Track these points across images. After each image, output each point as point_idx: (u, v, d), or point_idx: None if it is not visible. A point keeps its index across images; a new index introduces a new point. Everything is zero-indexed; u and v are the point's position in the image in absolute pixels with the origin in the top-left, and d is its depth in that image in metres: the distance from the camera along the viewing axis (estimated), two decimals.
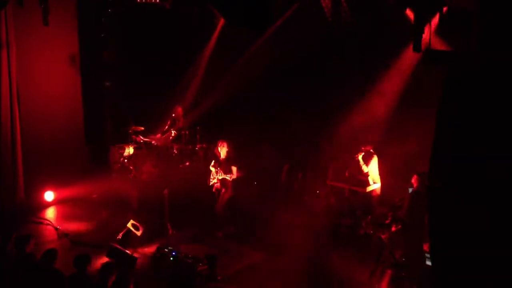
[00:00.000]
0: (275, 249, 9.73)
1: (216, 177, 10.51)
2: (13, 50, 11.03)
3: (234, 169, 10.40)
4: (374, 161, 10.36)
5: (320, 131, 12.68)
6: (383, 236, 8.80)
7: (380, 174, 10.50)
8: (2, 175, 11.12)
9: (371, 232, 9.53)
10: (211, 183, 10.62)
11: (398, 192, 10.14)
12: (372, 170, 10.36)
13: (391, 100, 11.77)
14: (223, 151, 10.45)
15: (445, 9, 10.32)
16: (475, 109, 4.84)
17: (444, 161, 5.05)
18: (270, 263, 9.28)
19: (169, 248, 8.86)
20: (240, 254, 9.52)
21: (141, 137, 13.56)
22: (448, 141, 5.03)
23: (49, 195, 11.80)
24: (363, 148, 10.40)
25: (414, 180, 8.52)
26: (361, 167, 10.30)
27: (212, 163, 10.63)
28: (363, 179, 10.47)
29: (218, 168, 10.47)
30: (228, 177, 10.38)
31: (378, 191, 10.45)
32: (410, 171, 8.99)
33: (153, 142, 13.58)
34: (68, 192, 11.94)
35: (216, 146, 10.74)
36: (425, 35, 9.62)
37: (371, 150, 10.43)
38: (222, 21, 13.90)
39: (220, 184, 10.48)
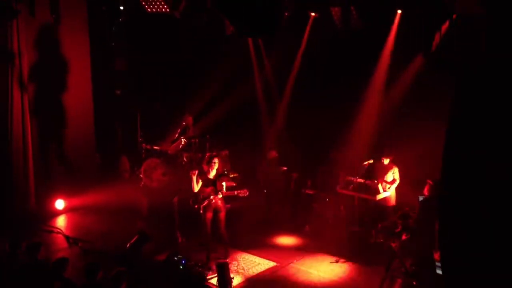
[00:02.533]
0: (285, 257, 9.72)
1: (208, 198, 9.26)
2: (24, 59, 11.14)
3: (224, 184, 9.41)
4: (394, 171, 10.34)
5: (330, 139, 12.67)
6: (393, 245, 8.77)
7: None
8: (14, 183, 11.22)
9: (381, 240, 9.48)
10: (202, 205, 9.29)
11: (409, 200, 10.11)
12: (388, 179, 10.38)
13: (401, 108, 11.75)
14: (216, 166, 9.38)
15: (454, 16, 10.34)
16: (488, 113, 4.81)
17: (454, 169, 5.03)
18: (279, 271, 9.26)
19: (179, 256, 8.87)
20: (250, 262, 9.51)
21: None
22: (458, 148, 5.01)
23: (59, 204, 11.85)
24: (383, 158, 10.38)
25: (426, 190, 8.47)
26: (384, 175, 10.31)
27: (200, 183, 9.30)
28: (373, 187, 10.45)
29: (209, 188, 9.30)
30: (220, 194, 9.30)
31: (393, 201, 10.40)
32: (421, 179, 8.94)
33: (163, 150, 13.63)
34: (78, 200, 12.00)
35: (207, 160, 9.53)
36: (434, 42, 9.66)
37: (390, 160, 10.41)
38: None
39: (214, 204, 9.35)
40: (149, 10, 12.20)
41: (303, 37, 13.16)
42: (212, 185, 9.29)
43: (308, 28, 12.90)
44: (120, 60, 15.49)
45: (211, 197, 9.23)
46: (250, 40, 14.14)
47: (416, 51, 11.59)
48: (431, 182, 8.41)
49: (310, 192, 11.72)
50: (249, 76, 14.40)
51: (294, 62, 13.60)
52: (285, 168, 12.29)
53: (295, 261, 9.59)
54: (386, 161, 10.37)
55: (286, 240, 10.50)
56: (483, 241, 4.82)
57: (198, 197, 9.30)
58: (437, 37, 10.85)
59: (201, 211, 9.33)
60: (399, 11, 11.37)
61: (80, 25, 12.31)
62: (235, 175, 12.33)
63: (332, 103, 12.81)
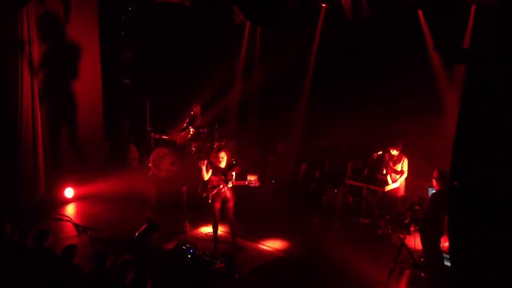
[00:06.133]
0: (291, 247, 9.73)
1: (218, 187, 9.22)
2: (34, 47, 11.16)
3: (234, 174, 9.34)
4: (404, 162, 10.30)
5: (338, 130, 12.64)
6: (401, 236, 8.75)
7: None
8: (24, 171, 11.27)
9: (390, 231, 9.47)
10: (211, 194, 9.30)
11: (418, 191, 10.08)
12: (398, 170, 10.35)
13: (410, 99, 11.70)
14: (224, 159, 9.31)
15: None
16: (497, 107, 4.77)
17: (464, 160, 5.00)
18: (286, 261, 9.27)
19: (187, 245, 8.89)
20: (257, 252, 9.52)
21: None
22: (468, 139, 4.97)
23: (69, 192, 11.91)
24: (391, 149, 10.33)
25: (434, 184, 8.40)
26: (394, 166, 10.27)
27: (210, 172, 9.31)
28: (382, 179, 10.42)
29: (219, 178, 9.26)
30: (230, 184, 9.24)
31: (403, 192, 10.38)
32: (431, 170, 8.89)
33: (171, 139, 13.67)
34: (87, 189, 12.05)
35: (214, 154, 9.47)
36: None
37: (399, 151, 10.36)
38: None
39: (223, 194, 9.31)
40: None
41: (314, 28, 13.11)
42: (222, 174, 9.28)
43: (321, 19, 12.86)
44: (129, 49, 15.51)
45: (220, 186, 9.23)
46: (247, 31, 14.14)
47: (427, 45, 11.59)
48: (436, 176, 8.32)
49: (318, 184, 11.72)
50: (259, 67, 14.38)
51: (306, 53, 13.54)
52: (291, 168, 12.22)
53: (302, 251, 9.59)
54: (394, 152, 10.32)
55: (293, 231, 10.48)
56: (492, 233, 4.79)
57: (207, 186, 9.30)
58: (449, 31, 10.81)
59: (210, 201, 9.33)
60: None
61: (89, 14, 12.31)
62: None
63: (341, 94, 12.79)
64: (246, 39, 14.44)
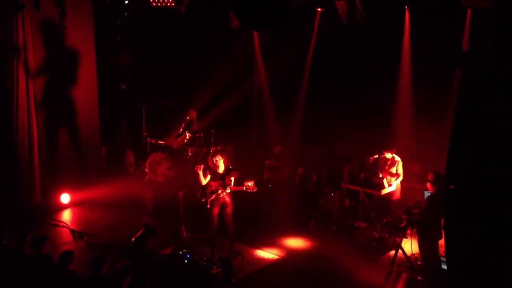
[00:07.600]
0: (289, 251, 9.72)
1: (216, 192, 9.20)
2: (30, 53, 11.15)
3: (233, 179, 9.31)
4: (398, 165, 10.33)
5: (335, 133, 12.66)
6: (398, 240, 8.76)
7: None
8: (20, 177, 11.24)
9: (386, 235, 9.48)
10: (210, 199, 9.25)
11: (414, 194, 10.10)
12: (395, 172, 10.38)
13: (407, 103, 11.73)
14: (221, 164, 9.29)
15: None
16: (492, 110, 4.79)
17: (460, 163, 5.01)
18: (284, 265, 9.26)
19: (184, 250, 8.88)
20: (254, 256, 9.51)
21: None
22: (463, 143, 5.00)
23: (65, 198, 11.87)
24: (384, 152, 10.34)
25: (428, 186, 8.41)
26: (389, 169, 10.30)
27: (208, 177, 9.30)
28: (378, 182, 10.43)
29: (218, 183, 9.24)
30: (228, 189, 9.24)
31: (399, 195, 10.40)
32: (426, 173, 8.91)
33: (168, 144, 13.65)
34: (84, 194, 12.02)
35: (211, 158, 9.40)
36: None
37: (394, 154, 10.38)
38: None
39: (221, 199, 9.27)
40: (154, 4, 12.18)
41: (311, 31, 13.11)
42: (220, 179, 9.27)
43: (316, 23, 12.87)
44: (125, 54, 15.51)
45: (219, 191, 9.21)
46: (255, 34, 14.10)
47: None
48: (430, 178, 8.34)
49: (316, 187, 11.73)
50: (255, 71, 14.36)
51: (302, 58, 13.53)
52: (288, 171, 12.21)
53: (299, 255, 9.59)
54: (388, 155, 10.35)
55: (290, 235, 10.47)
56: (489, 236, 4.81)
57: (206, 191, 9.29)
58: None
59: (208, 206, 9.31)
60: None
61: (85, 19, 12.28)
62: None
63: (338, 95, 12.81)
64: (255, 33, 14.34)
